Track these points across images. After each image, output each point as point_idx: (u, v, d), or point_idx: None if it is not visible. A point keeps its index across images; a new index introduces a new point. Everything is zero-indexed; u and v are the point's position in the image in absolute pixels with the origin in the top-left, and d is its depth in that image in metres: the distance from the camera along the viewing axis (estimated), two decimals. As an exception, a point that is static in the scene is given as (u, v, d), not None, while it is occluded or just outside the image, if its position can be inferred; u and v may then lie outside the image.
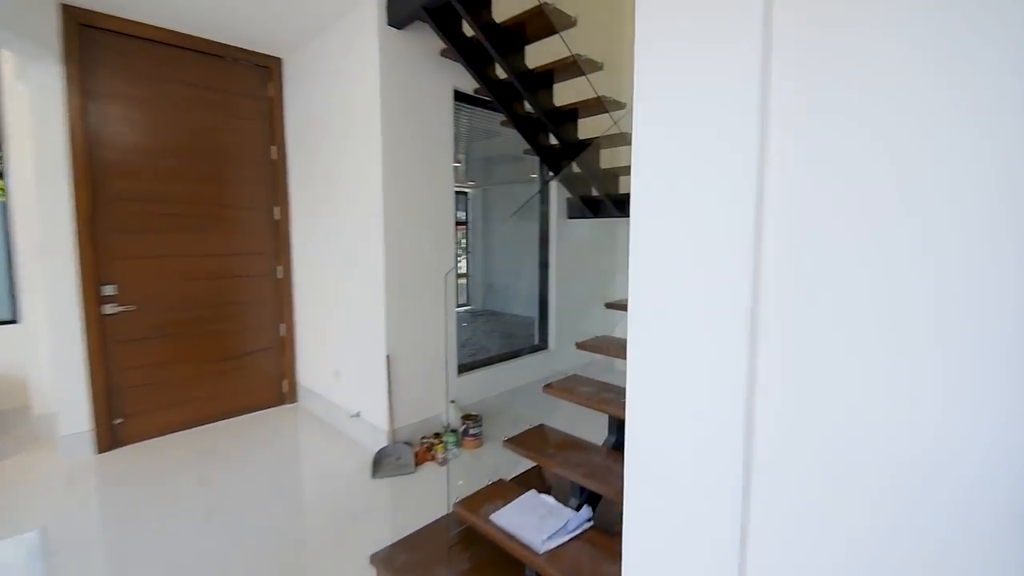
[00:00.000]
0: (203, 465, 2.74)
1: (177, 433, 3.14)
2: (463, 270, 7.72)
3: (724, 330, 0.84)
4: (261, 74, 3.40)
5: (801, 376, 0.78)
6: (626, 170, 3.51)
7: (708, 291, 0.86)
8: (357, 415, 3.00)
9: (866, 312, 0.71)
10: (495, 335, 6.00)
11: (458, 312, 3.40)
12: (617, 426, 2.09)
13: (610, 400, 2.05)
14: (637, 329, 0.98)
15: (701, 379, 0.88)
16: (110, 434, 2.90)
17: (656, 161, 0.92)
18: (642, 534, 1.01)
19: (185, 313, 3.17)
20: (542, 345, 4.14)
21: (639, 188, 0.96)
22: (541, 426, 2.27)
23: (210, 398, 3.30)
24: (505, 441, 2.11)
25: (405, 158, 2.83)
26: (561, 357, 4.13)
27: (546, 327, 4.15)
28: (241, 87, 3.33)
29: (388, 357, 2.79)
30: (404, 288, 2.87)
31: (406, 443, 2.82)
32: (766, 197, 0.80)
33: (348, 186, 2.97)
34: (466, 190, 7.59)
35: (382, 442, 2.81)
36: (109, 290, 2.86)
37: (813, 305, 0.76)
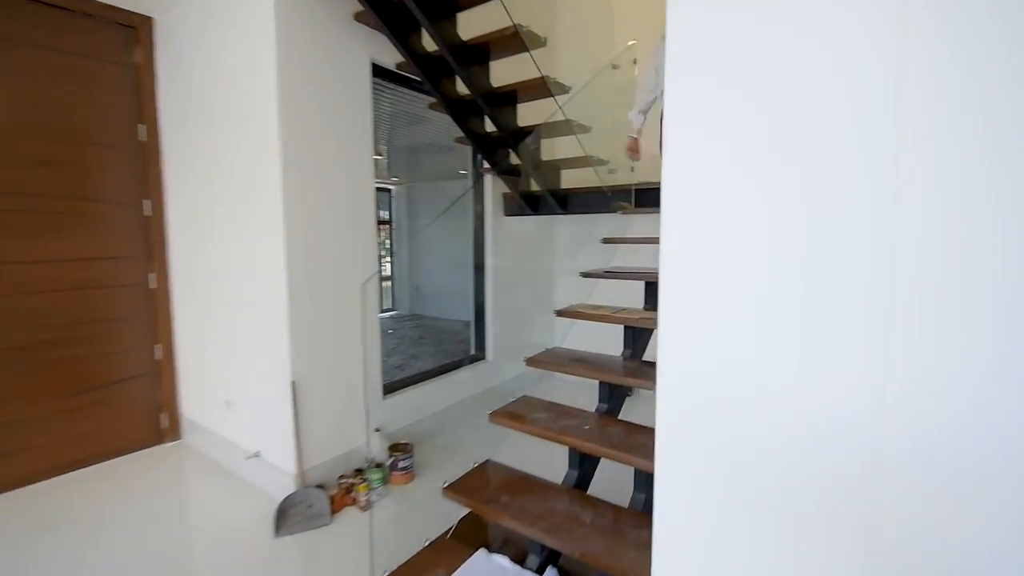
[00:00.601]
0: (43, 536, 2.07)
1: (10, 492, 2.40)
2: (387, 273, 7.15)
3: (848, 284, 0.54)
4: (125, 35, 2.73)
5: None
6: (567, 163, 3.22)
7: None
8: (256, 455, 2.45)
9: None
10: (424, 342, 5.53)
11: (382, 318, 2.93)
12: (580, 460, 1.75)
13: (572, 428, 1.71)
14: (681, 296, 0.64)
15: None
16: (-100, 504, 2.14)
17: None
18: None
19: (19, 336, 2.43)
20: (479, 355, 3.75)
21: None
22: (486, 464, 1.88)
23: (60, 443, 2.58)
24: (445, 489, 1.70)
25: (311, 143, 2.33)
26: (501, 368, 3.76)
27: (483, 335, 3.77)
28: (97, 51, 2.64)
29: (294, 383, 2.27)
30: (314, 299, 2.36)
31: (319, 486, 2.31)
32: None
33: (240, 176, 2.41)
34: (389, 187, 7.03)
35: (289, 487, 2.29)
36: None
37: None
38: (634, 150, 2.71)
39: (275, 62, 2.16)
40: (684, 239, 0.63)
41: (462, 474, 1.78)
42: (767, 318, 0.61)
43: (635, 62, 3.33)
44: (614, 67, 3.28)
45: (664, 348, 0.65)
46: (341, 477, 2.42)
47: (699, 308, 0.63)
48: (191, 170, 2.69)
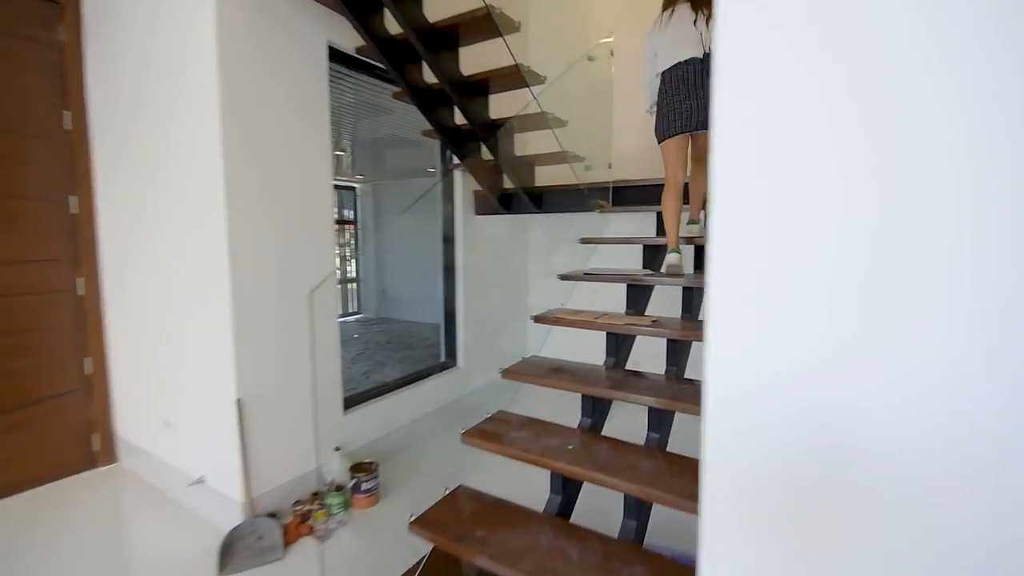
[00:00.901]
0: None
1: (-96, 533, 2.08)
2: (353, 275, 6.84)
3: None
4: (46, 10, 2.42)
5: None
6: (542, 159, 3.06)
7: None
8: (200, 481, 2.19)
9: None
10: (392, 348, 5.29)
11: (347, 322, 2.70)
12: (563, 483, 1.59)
13: (554, 449, 1.54)
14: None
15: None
16: None
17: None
18: None
19: (-84, 351, 2.11)
20: (450, 362, 3.55)
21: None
22: (458, 491, 1.69)
23: (-30, 471, 2.26)
24: (412, 523, 1.50)
25: (259, 133, 2.09)
26: (473, 376, 3.57)
27: (454, 340, 3.57)
28: (13, 27, 2.32)
29: (239, 401, 2.03)
30: (263, 306, 2.12)
31: (271, 515, 2.08)
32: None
33: (177, 169, 2.15)
34: (354, 185, 6.73)
35: (236, 517, 2.05)
36: None
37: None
38: None
39: (216, 42, 1.91)
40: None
41: (431, 504, 1.58)
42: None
43: (612, 54, 3.19)
44: (590, 59, 3.13)
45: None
46: (296, 503, 2.18)
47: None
48: (123, 163, 2.40)
